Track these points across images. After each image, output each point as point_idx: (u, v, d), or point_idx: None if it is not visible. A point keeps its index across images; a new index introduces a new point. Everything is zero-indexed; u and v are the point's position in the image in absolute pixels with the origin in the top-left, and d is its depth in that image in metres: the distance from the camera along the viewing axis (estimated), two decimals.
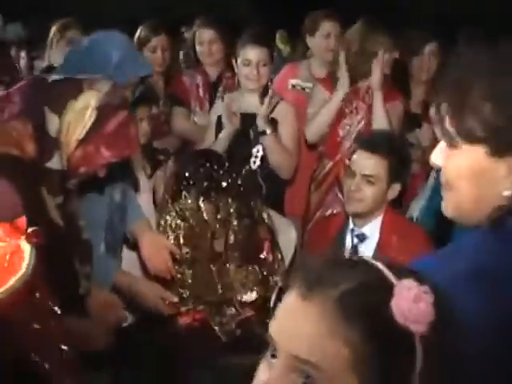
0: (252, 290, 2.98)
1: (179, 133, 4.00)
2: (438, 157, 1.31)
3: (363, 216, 2.82)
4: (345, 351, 0.91)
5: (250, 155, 3.55)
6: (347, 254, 2.79)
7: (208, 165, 2.92)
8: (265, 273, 3.01)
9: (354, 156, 2.83)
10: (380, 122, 3.44)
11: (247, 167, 3.56)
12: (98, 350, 2.17)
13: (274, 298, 1.00)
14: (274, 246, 3.05)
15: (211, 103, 3.89)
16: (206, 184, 2.89)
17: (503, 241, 1.24)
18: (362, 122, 3.58)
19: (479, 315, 1.15)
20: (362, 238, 2.82)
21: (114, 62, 2.45)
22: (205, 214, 2.89)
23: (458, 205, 1.29)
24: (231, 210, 2.94)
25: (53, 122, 1.93)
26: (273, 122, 3.56)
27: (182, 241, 2.90)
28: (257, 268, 3.01)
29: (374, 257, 2.73)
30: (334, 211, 3.50)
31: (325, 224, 3.11)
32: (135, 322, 2.76)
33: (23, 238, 1.06)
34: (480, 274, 1.22)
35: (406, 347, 0.91)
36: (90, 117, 1.93)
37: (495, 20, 7.13)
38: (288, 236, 3.29)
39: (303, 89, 4.05)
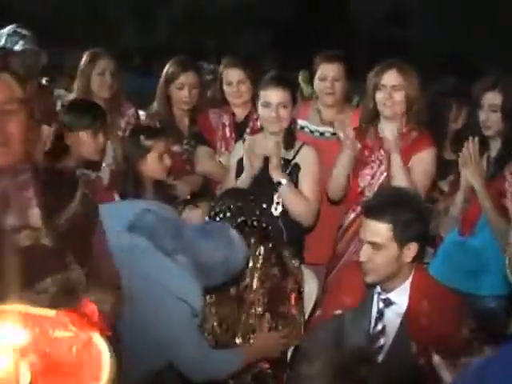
0: None
1: (203, 172, 3.89)
2: None
3: (385, 283, 2.64)
4: None
5: (272, 201, 3.44)
6: (372, 319, 2.65)
7: (246, 202, 2.90)
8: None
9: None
10: (399, 183, 3.29)
11: (269, 213, 3.47)
12: None
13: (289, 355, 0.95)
14: (299, 300, 2.96)
15: None
16: (239, 220, 2.84)
17: None
18: (385, 174, 3.44)
19: None
20: (387, 302, 2.64)
21: None
22: None
23: None
24: (258, 253, 2.84)
25: None
26: (296, 167, 3.47)
27: None
28: (278, 321, 2.92)
29: (402, 324, 2.61)
30: None
31: (357, 271, 2.78)
32: None
33: (96, 330, 0.91)
34: None
35: None
36: None
37: None
38: (310, 287, 3.19)
39: (311, 132, 3.93)
